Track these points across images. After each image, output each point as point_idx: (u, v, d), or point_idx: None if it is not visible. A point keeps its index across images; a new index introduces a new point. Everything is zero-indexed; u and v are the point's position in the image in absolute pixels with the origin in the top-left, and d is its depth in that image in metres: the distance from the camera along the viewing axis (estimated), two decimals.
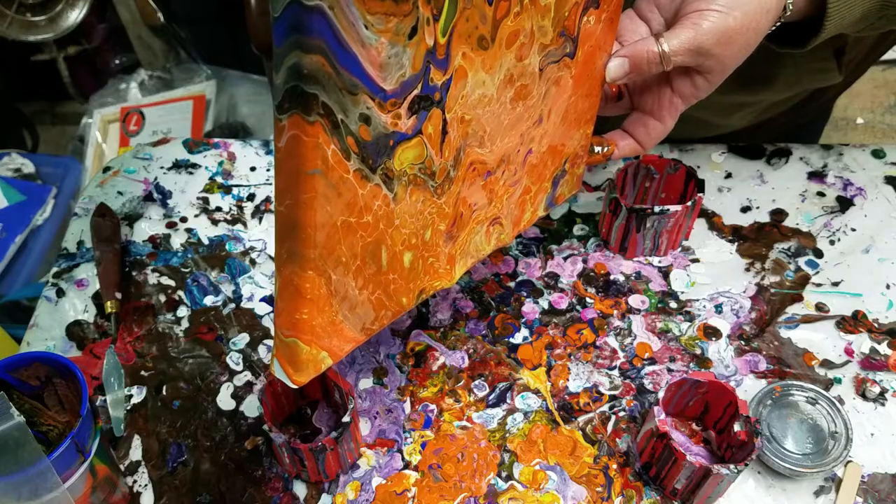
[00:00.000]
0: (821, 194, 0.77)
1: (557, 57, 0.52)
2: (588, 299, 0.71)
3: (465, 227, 0.51)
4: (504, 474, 0.61)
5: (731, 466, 0.54)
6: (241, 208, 0.79)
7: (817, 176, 0.78)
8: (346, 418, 0.57)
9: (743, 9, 0.51)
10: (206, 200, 0.79)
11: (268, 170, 0.82)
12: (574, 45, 0.52)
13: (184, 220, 0.78)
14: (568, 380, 0.66)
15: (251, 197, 0.79)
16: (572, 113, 0.53)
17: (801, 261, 0.72)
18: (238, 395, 0.66)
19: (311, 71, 0.36)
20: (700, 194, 0.68)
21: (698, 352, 0.67)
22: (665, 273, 0.72)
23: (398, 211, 0.45)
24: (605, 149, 0.57)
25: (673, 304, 0.70)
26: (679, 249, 0.74)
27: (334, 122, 0.39)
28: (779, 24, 0.54)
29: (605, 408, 0.64)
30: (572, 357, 0.67)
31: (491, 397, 0.65)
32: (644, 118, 0.57)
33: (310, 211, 0.40)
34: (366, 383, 0.66)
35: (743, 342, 0.67)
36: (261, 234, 0.76)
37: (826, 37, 0.55)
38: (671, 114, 0.56)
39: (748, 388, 0.64)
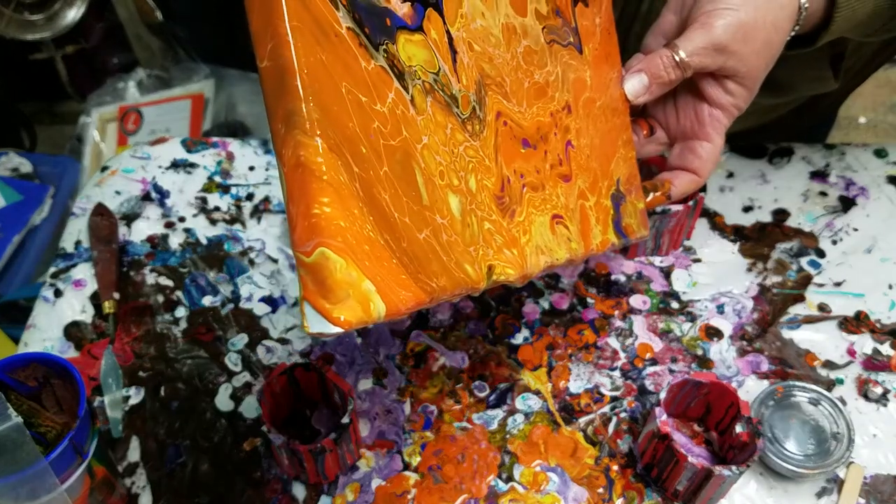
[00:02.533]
0: (823, 194, 0.77)
1: (563, 40, 0.51)
2: (589, 299, 0.70)
3: (520, 201, 0.46)
4: (504, 476, 0.60)
5: (733, 468, 0.53)
6: (239, 208, 0.78)
7: (819, 175, 0.78)
8: (345, 419, 0.57)
9: (753, 3, 0.51)
10: (204, 200, 0.79)
11: (266, 169, 0.81)
12: (576, 36, 0.51)
13: (182, 219, 0.78)
14: (569, 381, 0.65)
15: (250, 196, 0.79)
16: (603, 122, 0.51)
17: (804, 261, 0.72)
18: (237, 396, 0.66)
19: None
20: (702, 194, 0.68)
21: (700, 352, 0.67)
22: (666, 273, 0.72)
23: (423, 124, 0.41)
24: (660, 191, 0.54)
25: (674, 305, 0.70)
26: (681, 249, 0.73)
27: None
28: (797, 27, 0.53)
29: (607, 409, 0.64)
30: (573, 358, 0.67)
31: (491, 398, 0.64)
32: (689, 143, 0.54)
33: (299, 48, 0.34)
34: (365, 384, 0.66)
35: (745, 343, 0.67)
36: (259, 233, 0.76)
37: (837, 33, 0.54)
38: (716, 129, 0.53)
39: (750, 389, 0.64)
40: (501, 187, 0.44)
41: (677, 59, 0.51)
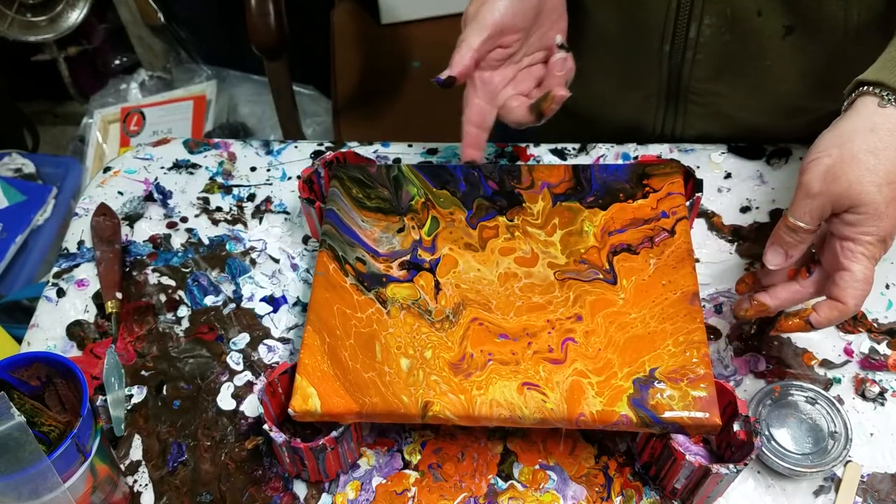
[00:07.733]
0: None
1: (584, 278, 0.61)
2: None
3: (482, 369, 0.57)
4: (504, 474, 0.61)
5: (731, 466, 0.54)
6: (241, 208, 0.79)
7: None
8: None
9: (838, 143, 0.55)
10: (206, 200, 0.80)
11: (268, 170, 0.82)
12: (612, 275, 0.61)
13: (184, 220, 0.78)
14: None
15: (251, 197, 0.80)
16: (640, 328, 0.58)
17: None
18: (238, 395, 0.66)
19: (325, 230, 0.66)
20: (699, 194, 0.68)
21: None
22: None
23: (391, 323, 0.60)
24: (798, 316, 0.59)
25: None
26: None
27: (336, 254, 0.64)
28: None
29: None
30: None
31: None
32: (831, 276, 0.58)
33: (314, 292, 0.62)
34: None
35: (742, 342, 0.67)
36: (261, 234, 0.77)
37: None
38: (849, 258, 0.56)
39: (748, 388, 0.64)
40: (461, 359, 0.58)
41: (787, 222, 0.58)
